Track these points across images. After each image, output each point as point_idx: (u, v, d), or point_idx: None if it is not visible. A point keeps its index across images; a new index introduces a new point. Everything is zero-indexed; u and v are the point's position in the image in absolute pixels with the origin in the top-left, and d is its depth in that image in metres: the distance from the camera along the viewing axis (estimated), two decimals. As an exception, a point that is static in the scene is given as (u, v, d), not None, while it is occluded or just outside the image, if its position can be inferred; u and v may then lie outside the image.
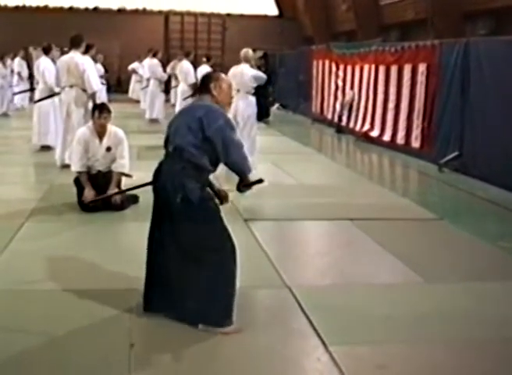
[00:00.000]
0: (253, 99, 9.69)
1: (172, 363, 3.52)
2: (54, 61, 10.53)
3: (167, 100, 17.62)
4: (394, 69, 11.97)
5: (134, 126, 14.24)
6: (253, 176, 4.07)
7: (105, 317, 4.06)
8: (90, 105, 8.31)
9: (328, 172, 10.01)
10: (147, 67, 17.06)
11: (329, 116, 15.88)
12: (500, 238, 6.13)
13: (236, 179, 4.10)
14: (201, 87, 4.16)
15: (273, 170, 9.61)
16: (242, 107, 9.33)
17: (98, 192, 6.75)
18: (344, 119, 14.54)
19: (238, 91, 9.36)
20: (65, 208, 6.87)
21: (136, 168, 7.39)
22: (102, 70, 17.42)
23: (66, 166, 8.23)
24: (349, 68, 14.63)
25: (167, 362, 3.51)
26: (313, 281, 4.95)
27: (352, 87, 14.34)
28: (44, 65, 10.71)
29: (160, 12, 28.67)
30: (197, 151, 3.86)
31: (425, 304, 4.45)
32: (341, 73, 15.14)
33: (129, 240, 6.03)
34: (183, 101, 13.17)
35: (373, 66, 13.01)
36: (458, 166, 9.58)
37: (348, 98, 14.41)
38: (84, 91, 8.88)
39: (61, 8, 27.27)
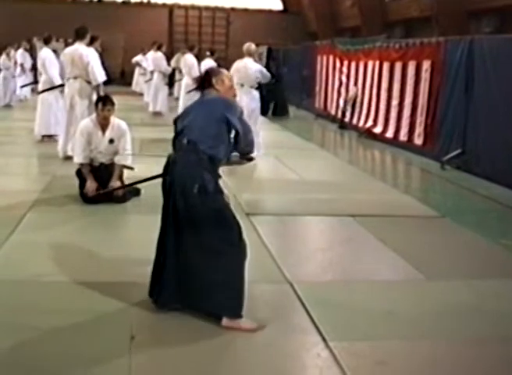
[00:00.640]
0: (256, 93, 9.70)
1: (172, 356, 3.51)
2: (55, 52, 10.52)
3: (170, 93, 17.61)
4: (398, 66, 11.94)
5: (137, 118, 14.22)
6: None
7: (107, 309, 4.06)
8: (95, 96, 8.30)
9: (330, 168, 10.00)
10: (151, 60, 17.03)
11: (333, 112, 15.86)
12: (502, 236, 6.13)
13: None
14: (204, 83, 4.17)
15: (276, 165, 9.62)
16: (246, 101, 9.34)
17: (100, 184, 6.75)
18: (347, 115, 14.53)
19: (242, 85, 9.37)
20: (67, 199, 6.86)
21: (138, 160, 7.38)
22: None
23: (69, 158, 8.22)
24: (353, 64, 14.61)
25: (167, 355, 3.51)
26: (314, 277, 4.94)
27: (356, 84, 14.33)
28: (44, 54, 10.76)
29: (164, 5, 28.70)
30: (215, 143, 3.88)
31: (426, 301, 4.46)
32: (345, 69, 15.12)
33: (131, 232, 6.05)
34: (187, 94, 13.18)
35: (377, 63, 12.98)
36: (461, 163, 9.57)
37: (352, 94, 14.39)
38: (88, 82, 8.86)
39: (66, 0, 27.26)
